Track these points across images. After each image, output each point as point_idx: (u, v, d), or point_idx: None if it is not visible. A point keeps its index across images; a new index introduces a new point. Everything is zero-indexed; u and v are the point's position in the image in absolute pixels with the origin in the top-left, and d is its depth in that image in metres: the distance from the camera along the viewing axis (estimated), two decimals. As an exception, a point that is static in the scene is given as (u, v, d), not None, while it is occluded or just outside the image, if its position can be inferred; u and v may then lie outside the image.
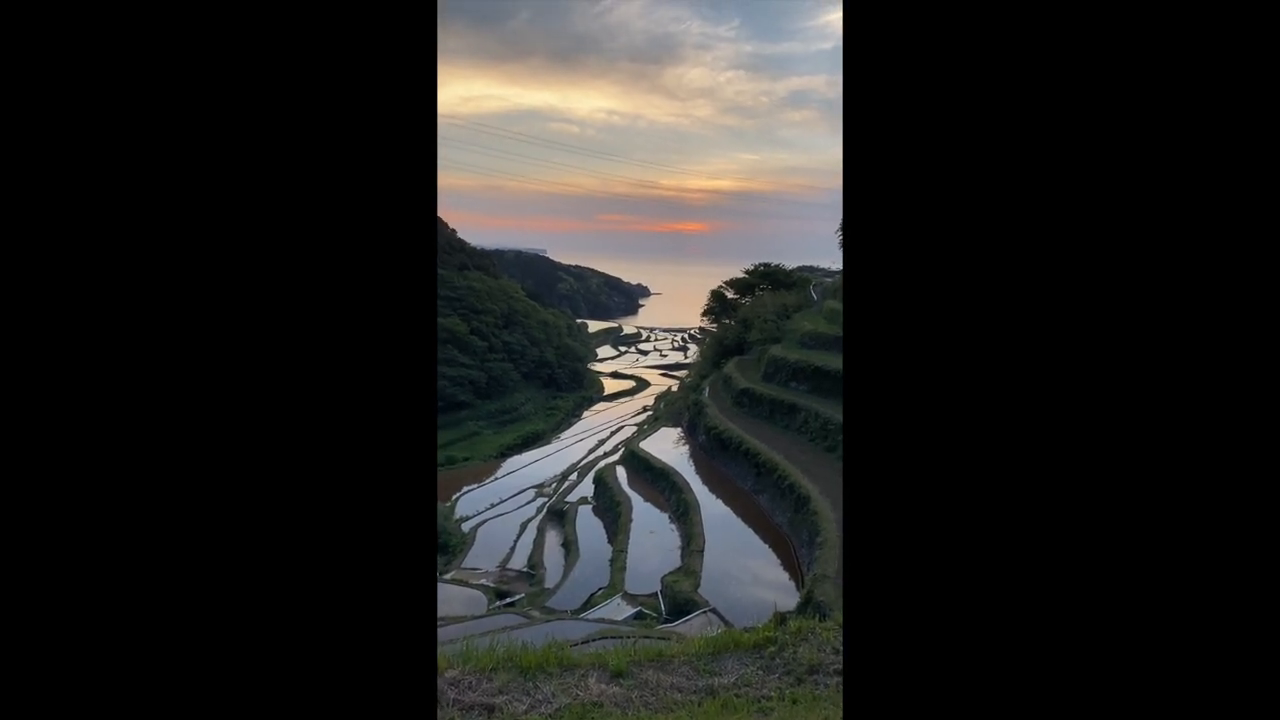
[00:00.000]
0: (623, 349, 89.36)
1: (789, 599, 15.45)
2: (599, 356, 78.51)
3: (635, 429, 41.53)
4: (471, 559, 24.54)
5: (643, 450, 29.53)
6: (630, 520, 22.84)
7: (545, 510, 28.25)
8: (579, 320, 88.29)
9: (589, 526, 24.64)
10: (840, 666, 3.62)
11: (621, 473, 27.90)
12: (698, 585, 17.69)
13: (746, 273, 49.69)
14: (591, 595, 18.98)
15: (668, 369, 71.51)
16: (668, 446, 30.37)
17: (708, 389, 33.27)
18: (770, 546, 19.77)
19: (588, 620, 16.06)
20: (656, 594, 17.88)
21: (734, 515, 22.04)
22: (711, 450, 27.12)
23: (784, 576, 18.12)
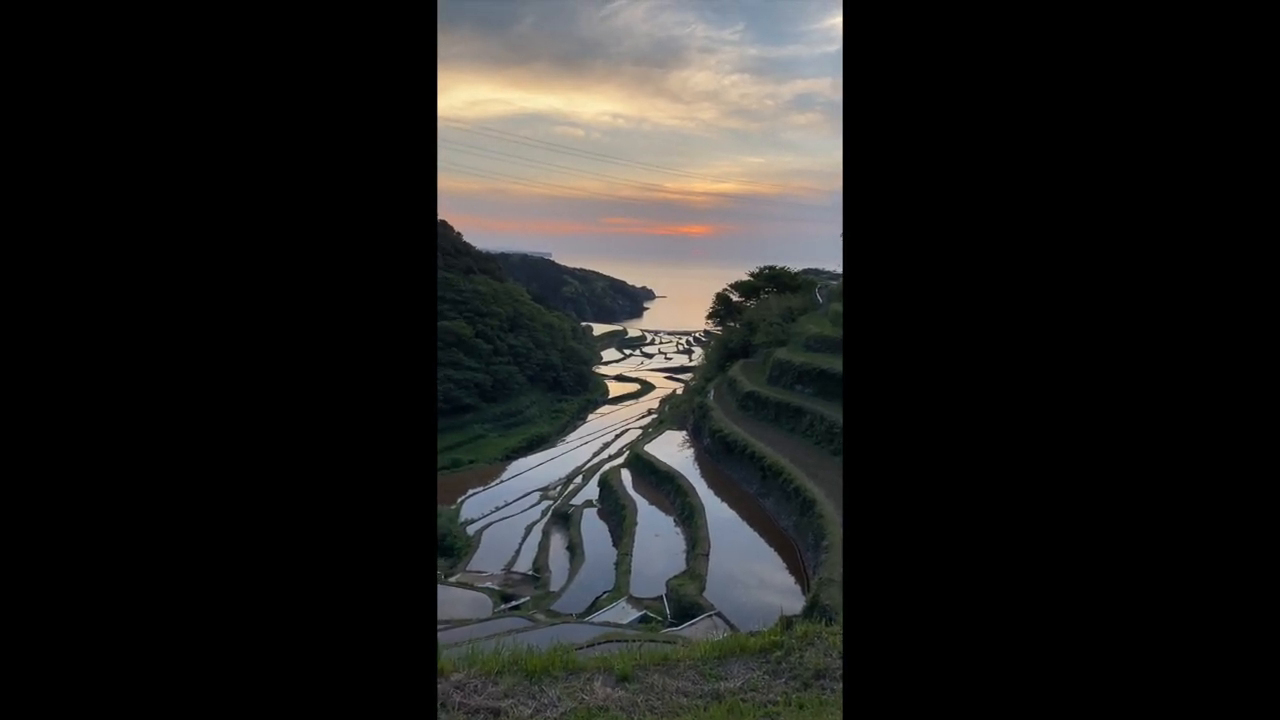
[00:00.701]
0: (627, 352, 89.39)
1: (795, 603, 15.45)
2: (604, 359, 78.52)
3: (640, 432, 41.54)
4: (477, 562, 24.57)
5: (648, 453, 29.52)
6: (635, 523, 22.82)
7: (550, 513, 28.26)
8: (584, 323, 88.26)
9: (594, 530, 24.64)
10: (846, 671, 3.59)
11: (626, 476, 27.90)
12: (703, 589, 17.66)
13: (751, 275, 49.69)
14: (596, 599, 18.97)
15: (672, 372, 71.46)
16: (673, 449, 30.35)
17: (713, 392, 33.26)
18: (776, 550, 19.73)
19: (593, 624, 16.07)
20: (661, 597, 17.86)
21: (739, 519, 22.00)
22: (717, 453, 27.10)
23: (790, 580, 18.09)
